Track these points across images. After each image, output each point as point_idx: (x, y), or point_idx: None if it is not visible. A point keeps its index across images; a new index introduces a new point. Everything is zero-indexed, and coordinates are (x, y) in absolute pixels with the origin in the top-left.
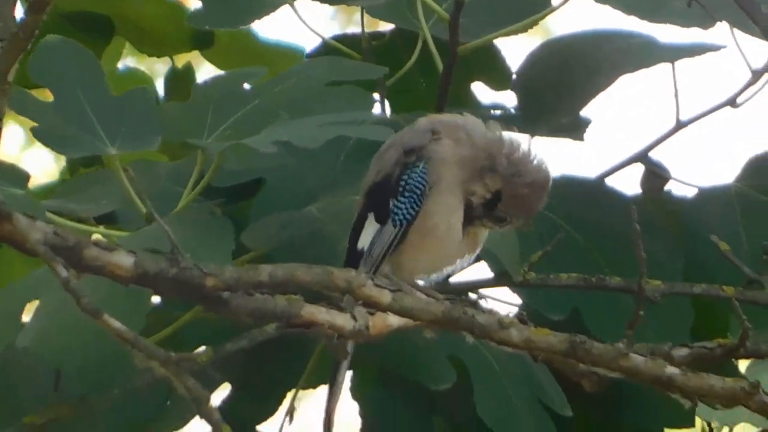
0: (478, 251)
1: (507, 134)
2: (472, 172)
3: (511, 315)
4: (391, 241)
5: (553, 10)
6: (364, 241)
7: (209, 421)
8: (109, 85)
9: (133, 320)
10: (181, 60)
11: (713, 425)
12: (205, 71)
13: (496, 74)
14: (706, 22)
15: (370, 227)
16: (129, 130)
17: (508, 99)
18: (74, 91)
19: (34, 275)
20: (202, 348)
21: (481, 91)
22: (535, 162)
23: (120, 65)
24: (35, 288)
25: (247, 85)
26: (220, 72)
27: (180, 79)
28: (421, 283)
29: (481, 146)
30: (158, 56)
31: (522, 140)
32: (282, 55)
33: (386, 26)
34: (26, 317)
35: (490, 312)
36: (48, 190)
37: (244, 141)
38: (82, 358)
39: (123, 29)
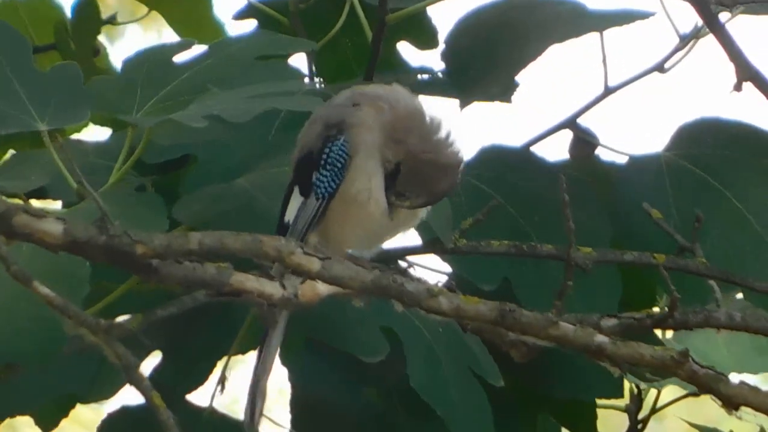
0: (415, 223)
1: (431, 111)
2: (389, 140)
3: (440, 284)
4: (314, 214)
5: None
6: (290, 214)
7: (138, 387)
8: (15, 13)
9: (74, 291)
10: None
11: (641, 388)
12: None
13: (423, 34)
14: None
15: (295, 200)
16: (58, 106)
17: (434, 59)
18: (1, 67)
19: None
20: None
21: (408, 53)
22: (448, 144)
23: None
24: None
25: (176, 58)
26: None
27: (85, 8)
28: (351, 253)
29: (401, 117)
30: None
31: (444, 120)
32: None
33: None
34: None
35: (420, 280)
36: None
37: (174, 116)
38: (15, 332)
39: None
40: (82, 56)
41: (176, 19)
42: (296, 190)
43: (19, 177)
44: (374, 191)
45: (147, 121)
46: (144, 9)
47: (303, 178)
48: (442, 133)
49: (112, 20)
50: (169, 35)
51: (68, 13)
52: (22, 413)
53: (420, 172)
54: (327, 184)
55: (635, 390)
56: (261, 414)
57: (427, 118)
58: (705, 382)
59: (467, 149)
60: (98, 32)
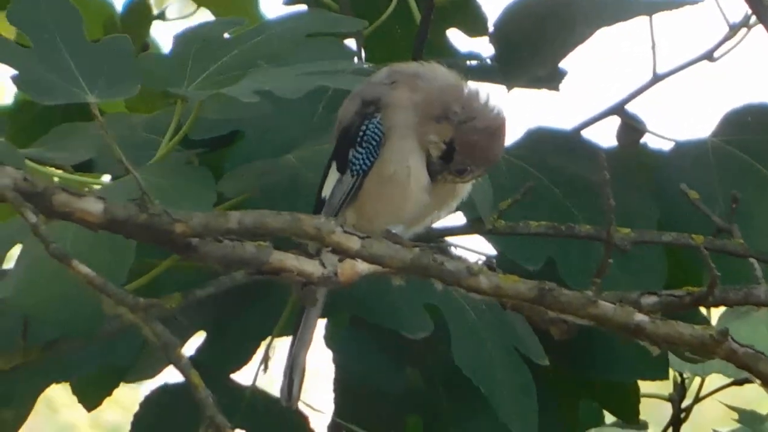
0: (457, 202)
1: (467, 82)
2: (427, 119)
3: (480, 263)
4: (348, 190)
5: None
6: (326, 190)
7: (177, 366)
8: None
9: (116, 270)
10: None
11: (685, 376)
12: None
13: (472, 20)
14: None
15: (332, 176)
16: (108, 78)
17: (484, 46)
18: (53, 38)
19: (17, 220)
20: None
21: (457, 39)
22: (489, 108)
23: None
24: (17, 233)
25: (227, 35)
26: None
27: (136, 5)
28: (392, 230)
29: (436, 93)
30: None
31: (481, 89)
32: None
33: None
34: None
35: (460, 259)
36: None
37: (225, 90)
38: (61, 308)
39: None
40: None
41: (224, 15)
42: (333, 165)
43: (66, 149)
44: (413, 170)
45: (198, 95)
46: (192, 6)
47: (340, 154)
48: (482, 98)
49: (161, 16)
50: None
51: (118, 9)
52: (66, 380)
53: (472, 142)
54: (362, 161)
55: (679, 378)
56: (300, 390)
57: (465, 89)
58: (744, 361)
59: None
60: (148, 29)
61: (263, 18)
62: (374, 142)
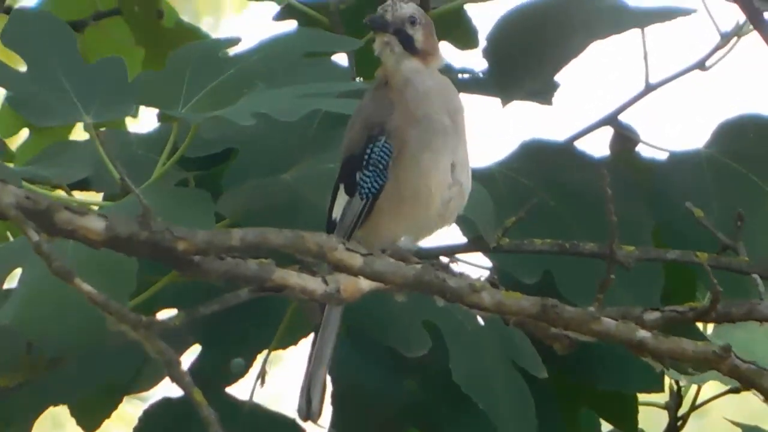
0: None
1: None
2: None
3: (482, 279)
4: (359, 213)
5: None
6: (336, 212)
7: (180, 384)
8: None
9: (121, 285)
10: None
11: (681, 384)
12: None
13: (463, 34)
14: None
15: (341, 198)
16: (104, 99)
17: (475, 59)
18: (48, 60)
19: (17, 242)
20: (174, 311)
21: (449, 54)
22: None
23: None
24: (18, 255)
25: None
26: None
27: None
28: (403, 243)
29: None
30: None
31: None
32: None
33: None
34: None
35: (462, 275)
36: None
37: (222, 113)
38: (63, 326)
39: None
40: (146, 19)
41: None
42: (342, 188)
43: (61, 166)
44: (436, 187)
45: (195, 118)
46: None
47: (348, 177)
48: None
49: None
50: None
51: None
52: (66, 402)
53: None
54: (370, 184)
55: (675, 387)
56: (321, 406)
57: None
58: (747, 377)
59: None
60: None
61: None
62: (381, 165)
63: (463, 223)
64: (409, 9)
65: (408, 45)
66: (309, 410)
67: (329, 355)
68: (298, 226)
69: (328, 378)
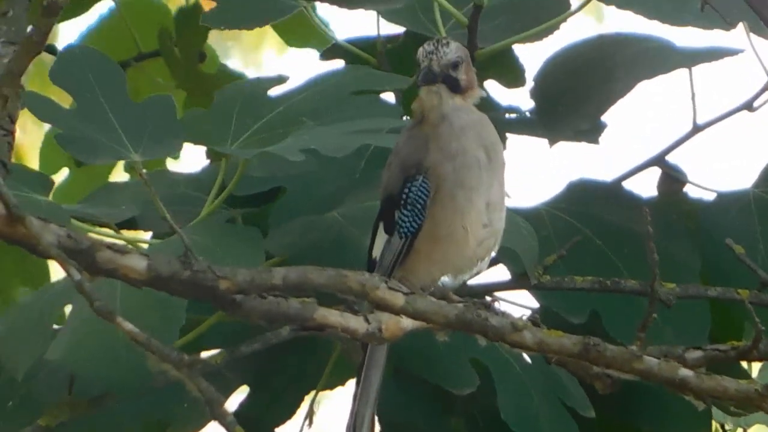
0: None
1: None
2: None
3: (524, 318)
4: (399, 252)
5: (571, 13)
6: (377, 251)
7: (222, 422)
8: (125, 10)
9: (167, 328)
10: None
11: (727, 427)
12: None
13: (510, 72)
14: (728, 25)
15: (380, 237)
16: (151, 137)
17: (521, 98)
18: (96, 97)
19: (66, 280)
20: (217, 351)
21: (496, 92)
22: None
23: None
24: (65, 294)
25: (270, 92)
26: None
27: (189, 15)
28: (444, 282)
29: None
30: None
31: None
32: None
33: (400, 28)
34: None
35: (504, 314)
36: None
37: (271, 149)
38: (108, 365)
39: None
40: (187, 63)
41: (281, 27)
42: (381, 227)
43: (109, 205)
44: (471, 226)
45: (244, 153)
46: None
47: (387, 216)
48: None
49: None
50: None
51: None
52: None
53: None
54: (409, 223)
55: (720, 430)
56: None
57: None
58: None
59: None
60: (205, 38)
61: (321, 23)
62: (419, 205)
63: (510, 260)
64: (453, 53)
65: (454, 88)
66: None
67: (375, 394)
68: (345, 264)
69: (376, 418)
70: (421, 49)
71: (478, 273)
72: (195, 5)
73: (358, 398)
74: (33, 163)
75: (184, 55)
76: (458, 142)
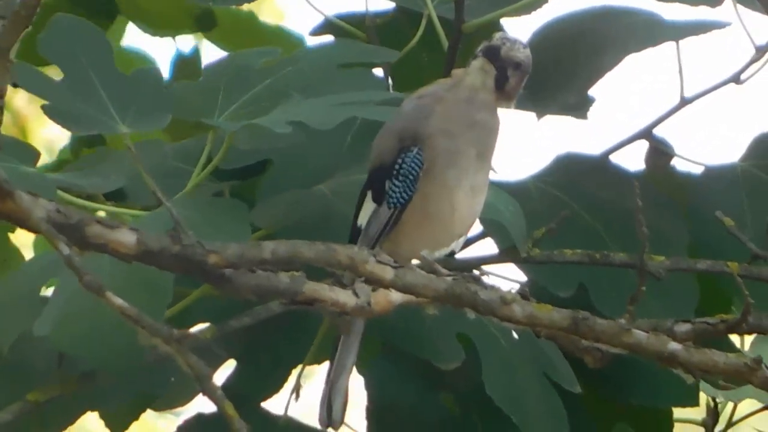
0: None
1: None
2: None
3: (513, 291)
4: (386, 222)
5: None
6: (362, 219)
7: (212, 397)
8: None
9: (157, 299)
10: (183, 42)
11: (718, 401)
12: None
13: None
14: (714, 1)
15: (368, 205)
16: (139, 109)
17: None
18: (84, 69)
19: (52, 253)
20: (206, 325)
21: None
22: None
23: (124, 45)
24: (51, 267)
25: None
26: (223, 53)
27: (187, 61)
28: (426, 255)
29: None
30: (161, 36)
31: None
32: (282, 39)
33: (389, 4)
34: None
35: (493, 288)
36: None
37: (258, 121)
38: (98, 341)
39: (126, 9)
40: None
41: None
42: (369, 195)
43: (98, 175)
44: (458, 205)
45: (230, 125)
46: None
47: (376, 184)
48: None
49: None
50: None
51: (161, 66)
52: (98, 409)
53: (515, 57)
54: (399, 194)
55: (711, 403)
56: (343, 415)
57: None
58: None
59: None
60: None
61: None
62: (412, 176)
63: (497, 233)
64: (522, 56)
65: (499, 84)
66: (330, 418)
67: (351, 364)
68: (333, 237)
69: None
70: (500, 33)
71: (452, 253)
72: (195, 53)
73: (334, 367)
74: (37, 135)
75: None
76: (463, 125)
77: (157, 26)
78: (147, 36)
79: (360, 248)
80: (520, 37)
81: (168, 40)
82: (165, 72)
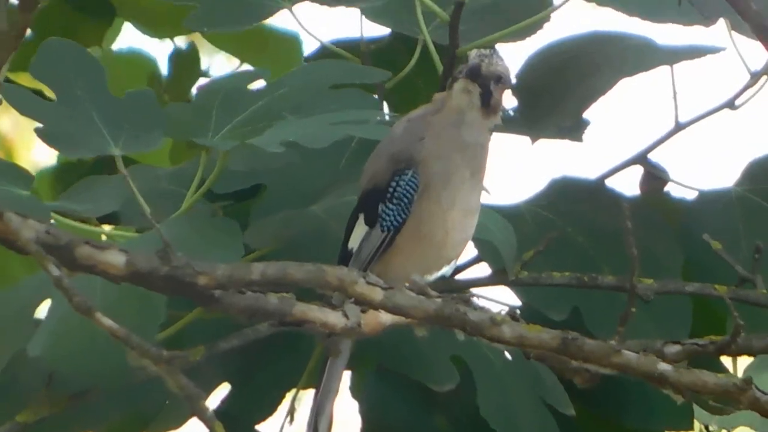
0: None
1: None
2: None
3: (503, 312)
4: (378, 246)
5: (552, 10)
6: (354, 242)
7: (202, 418)
8: (110, 65)
9: (147, 324)
10: (182, 42)
11: (711, 428)
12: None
13: None
14: (708, 21)
15: (360, 228)
16: (132, 131)
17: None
18: (76, 91)
19: (44, 274)
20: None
21: None
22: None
23: (124, 46)
24: (45, 288)
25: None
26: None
27: (184, 59)
28: (417, 279)
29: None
30: (159, 37)
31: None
32: (280, 39)
33: (385, 30)
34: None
35: (483, 309)
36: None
37: (251, 141)
38: (87, 360)
39: (124, 10)
40: None
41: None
42: (361, 218)
43: (90, 200)
44: (451, 229)
45: (223, 145)
46: (236, 61)
47: (369, 207)
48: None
49: (206, 74)
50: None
51: (161, 66)
52: (89, 430)
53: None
54: (393, 217)
55: (704, 430)
56: None
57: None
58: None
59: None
60: (194, 84)
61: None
62: (406, 199)
63: (489, 255)
64: (502, 68)
65: (485, 101)
66: None
67: (337, 387)
68: (326, 258)
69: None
70: (475, 50)
71: (443, 276)
72: (192, 48)
73: (321, 390)
74: (24, 158)
75: (174, 101)
76: (454, 148)
77: (155, 27)
78: (147, 36)
79: (350, 269)
80: (495, 49)
81: (167, 40)
82: (164, 70)
